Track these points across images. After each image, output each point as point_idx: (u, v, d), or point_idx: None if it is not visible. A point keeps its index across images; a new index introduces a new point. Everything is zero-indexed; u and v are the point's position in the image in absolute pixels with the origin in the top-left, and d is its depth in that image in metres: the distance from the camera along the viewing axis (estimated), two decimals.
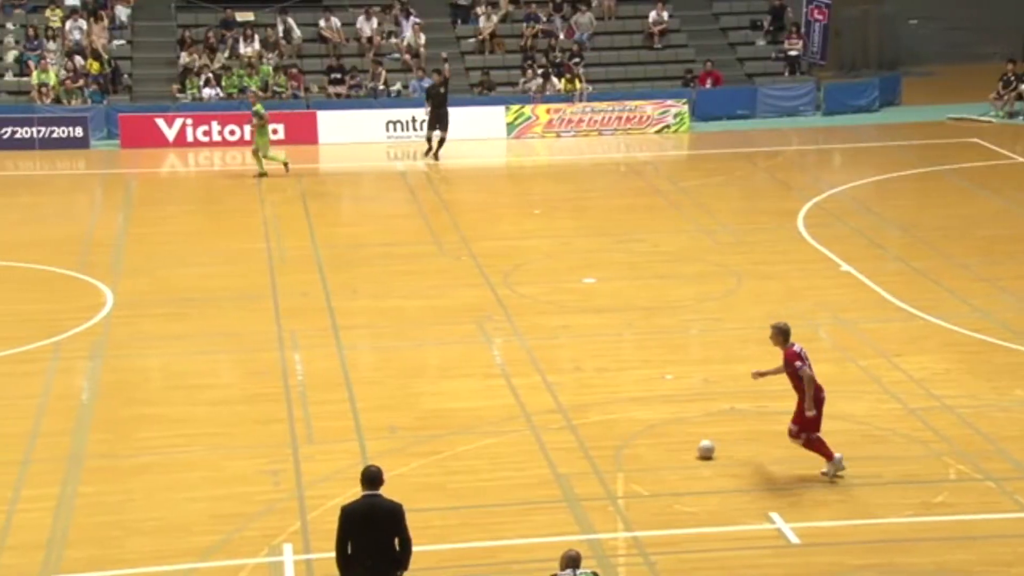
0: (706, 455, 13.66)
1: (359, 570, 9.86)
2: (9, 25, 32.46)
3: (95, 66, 31.31)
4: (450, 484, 13.25)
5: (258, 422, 14.84)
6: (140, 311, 18.59)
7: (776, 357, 13.30)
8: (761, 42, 34.85)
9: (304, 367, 16.56)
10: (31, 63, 31.14)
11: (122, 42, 32.73)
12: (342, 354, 16.92)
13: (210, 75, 31.43)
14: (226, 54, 32.33)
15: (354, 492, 10.17)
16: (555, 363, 16.59)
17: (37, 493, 13.00)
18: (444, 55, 31.58)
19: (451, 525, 12.35)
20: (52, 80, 30.62)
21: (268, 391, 15.72)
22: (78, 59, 31.27)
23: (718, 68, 33.17)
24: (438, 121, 28.30)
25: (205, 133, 29.90)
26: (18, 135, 29.10)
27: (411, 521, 10.03)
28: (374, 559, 9.85)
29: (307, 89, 31.94)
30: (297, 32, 33.29)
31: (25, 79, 31.00)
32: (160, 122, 29.72)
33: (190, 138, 29.83)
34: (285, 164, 26.85)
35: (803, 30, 34.10)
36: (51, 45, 31.73)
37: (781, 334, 12.95)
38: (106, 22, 32.58)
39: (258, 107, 26.79)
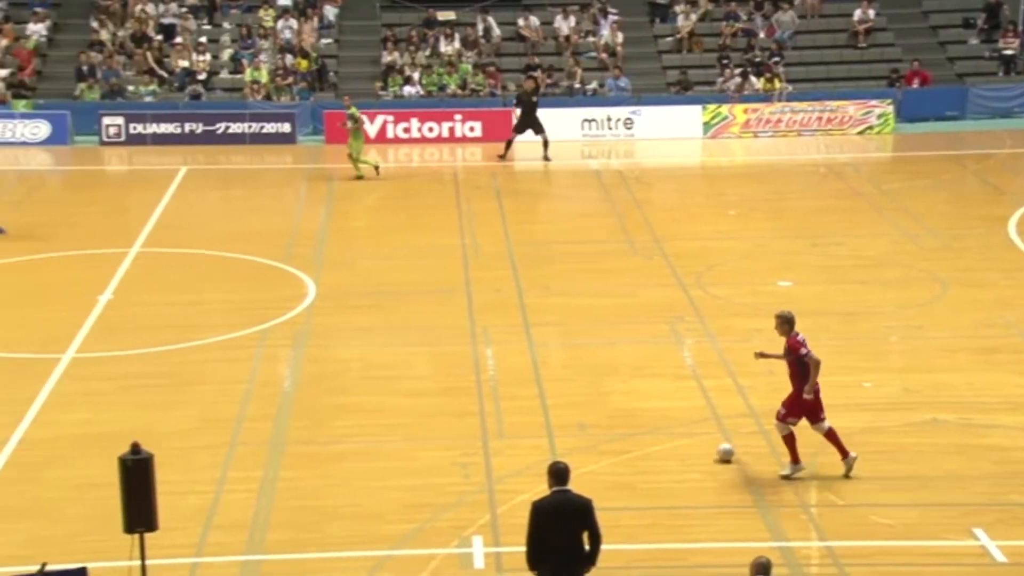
0: (725, 458, 13.43)
1: (549, 565, 9.93)
2: (226, 25, 33.88)
3: (303, 64, 32.40)
4: (640, 484, 13.22)
5: (451, 415, 15.11)
6: (340, 302, 19.15)
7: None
8: (974, 40, 33.59)
9: (496, 362, 16.78)
10: (244, 61, 32.45)
11: (329, 41, 33.77)
12: (533, 351, 17.07)
13: (411, 73, 32.13)
14: (427, 52, 33.00)
15: (543, 488, 10.25)
16: (747, 366, 16.34)
17: (242, 475, 13.53)
18: (537, 60, 31.69)
19: (640, 525, 12.33)
20: (263, 77, 31.82)
21: (461, 385, 15.99)
22: (288, 57, 32.42)
23: (926, 68, 32.13)
24: (529, 127, 28.26)
25: (405, 130, 30.58)
26: (231, 130, 30.37)
27: (600, 519, 10.06)
28: (564, 554, 9.91)
29: (504, 87, 32.32)
30: (496, 31, 33.73)
31: (239, 76, 32.31)
32: (363, 119, 30.53)
33: (390, 134, 30.57)
34: (376, 168, 26.93)
35: (1020, 28, 32.70)
36: (263, 44, 32.98)
37: (787, 323, 13.02)
38: (315, 21, 33.67)
39: (353, 110, 26.87)
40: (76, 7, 33.85)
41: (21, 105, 30.30)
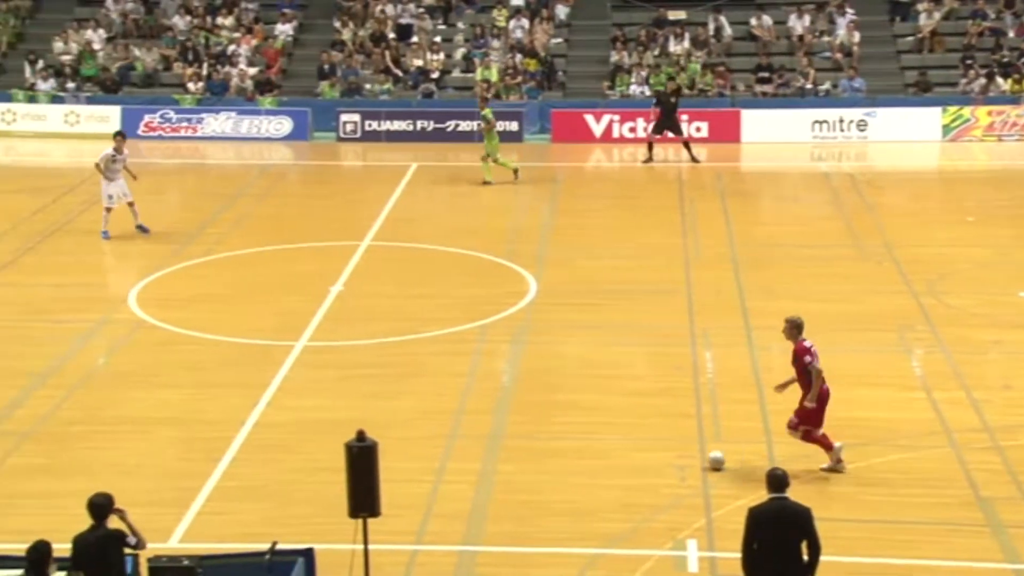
0: (715, 466, 13.28)
1: (766, 573, 9.78)
2: (459, 24, 34.62)
3: (532, 64, 32.79)
4: (862, 496, 12.85)
5: (667, 416, 15.03)
6: (560, 300, 19.30)
7: None
8: None
9: (715, 365, 16.59)
10: (476, 60, 33.08)
11: (559, 40, 34.06)
12: (754, 354, 16.81)
13: (640, 72, 32.10)
14: (656, 52, 32.88)
15: (760, 494, 10.09)
16: (982, 379, 15.68)
17: (461, 467, 13.81)
18: (680, 63, 30.89)
19: (861, 538, 11.99)
20: (494, 76, 32.36)
21: (679, 386, 15.88)
22: (518, 56, 32.88)
23: None
24: (668, 127, 27.82)
25: (631, 129, 30.56)
26: (460, 128, 31.00)
27: (819, 529, 9.83)
28: (781, 563, 9.74)
29: (733, 88, 31.90)
30: (728, 30, 33.31)
31: (470, 75, 32.96)
32: (589, 118, 30.69)
33: (616, 134, 30.61)
34: (515, 171, 26.56)
35: None
36: (495, 43, 33.54)
37: (796, 328, 13.02)
38: (547, 21, 34.02)
39: (487, 112, 26.63)
40: (321, 8, 35.20)
41: (267, 102, 31.74)
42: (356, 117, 31.12)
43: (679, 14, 33.63)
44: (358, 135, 31.02)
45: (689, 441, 14.29)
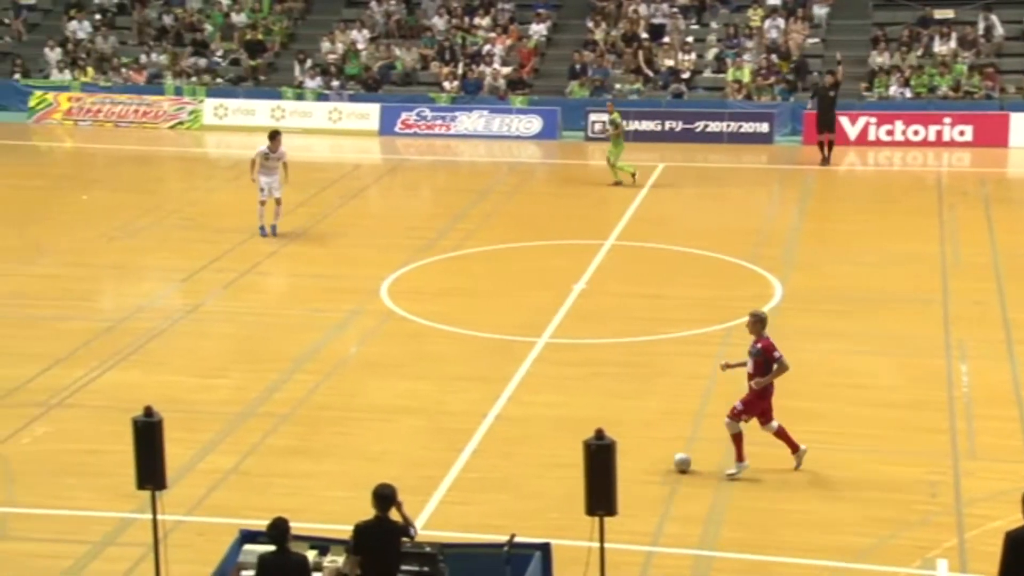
0: (682, 468, 13.40)
1: None
2: (713, 24, 34.27)
3: (785, 65, 32.12)
4: None
5: (918, 429, 14.45)
6: (806, 305, 18.83)
7: None
8: None
9: (971, 378, 15.84)
10: (728, 60, 32.67)
11: (816, 40, 33.25)
12: (1015, 369, 15.96)
13: (901, 74, 30.99)
14: (919, 53, 31.66)
15: (1016, 518, 9.55)
16: None
17: (699, 470, 13.63)
18: (839, 56, 28.87)
19: None
20: (745, 77, 31.89)
21: (931, 399, 15.25)
22: (772, 57, 32.27)
23: None
24: (826, 125, 26.73)
25: (888, 132, 29.57)
26: (709, 129, 30.70)
27: None
28: None
29: (1003, 90, 30.37)
30: (999, 29, 31.75)
31: (721, 76, 32.58)
32: (844, 120, 29.84)
33: (872, 136, 29.67)
34: (632, 175, 26.02)
35: None
36: (748, 43, 33.03)
37: (760, 323, 13.35)
38: (803, 21, 33.27)
39: (615, 115, 26.24)
40: (575, 8, 35.52)
41: (518, 101, 32.26)
42: (605, 117, 31.23)
43: (947, 13, 32.29)
44: (606, 135, 31.11)
45: (941, 457, 13.70)
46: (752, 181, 27.98)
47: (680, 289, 19.86)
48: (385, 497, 9.87)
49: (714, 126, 30.63)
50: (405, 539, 9.91)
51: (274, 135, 22.66)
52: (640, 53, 33.18)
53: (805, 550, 11.93)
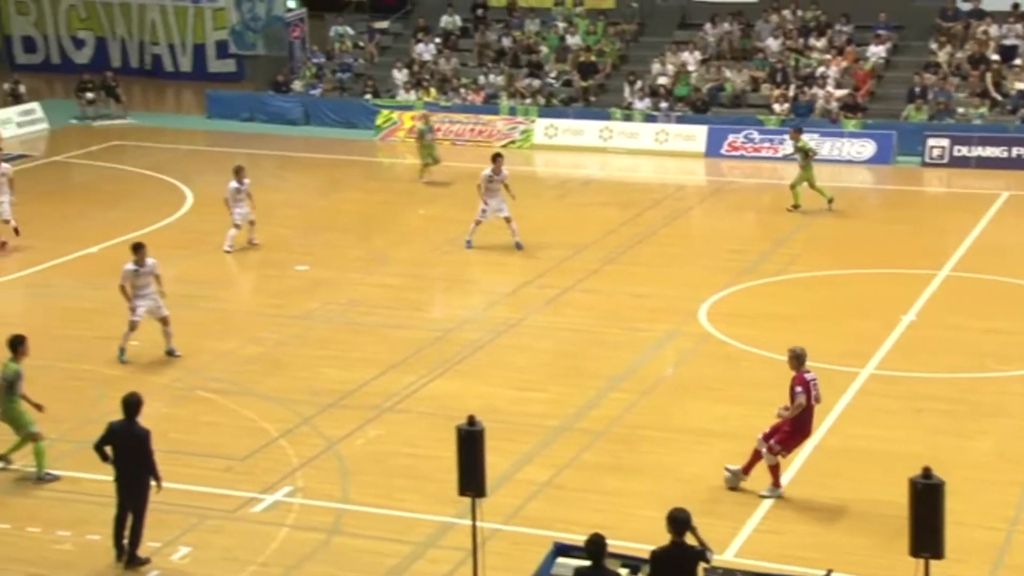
0: (732, 484, 13.39)
1: None
2: None
3: None
4: None
5: None
6: None
7: None
8: None
9: None
10: None
11: None
12: None
13: None
14: None
15: None
16: None
17: None
18: None
19: None
20: None
21: None
22: None
23: None
24: None
25: None
26: None
27: None
28: None
29: None
30: None
31: None
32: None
33: None
34: (830, 201, 25.53)
35: None
36: None
37: (796, 359, 13.45)
38: None
39: (802, 142, 25.37)
40: (918, 29, 34.11)
41: (851, 124, 31.28)
42: (944, 142, 29.82)
43: None
44: (945, 160, 29.70)
45: None
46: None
47: (1018, 324, 18.69)
48: (680, 521, 9.80)
49: None
50: (702, 562, 9.78)
51: (496, 157, 23.31)
52: (988, 76, 31.45)
53: None
